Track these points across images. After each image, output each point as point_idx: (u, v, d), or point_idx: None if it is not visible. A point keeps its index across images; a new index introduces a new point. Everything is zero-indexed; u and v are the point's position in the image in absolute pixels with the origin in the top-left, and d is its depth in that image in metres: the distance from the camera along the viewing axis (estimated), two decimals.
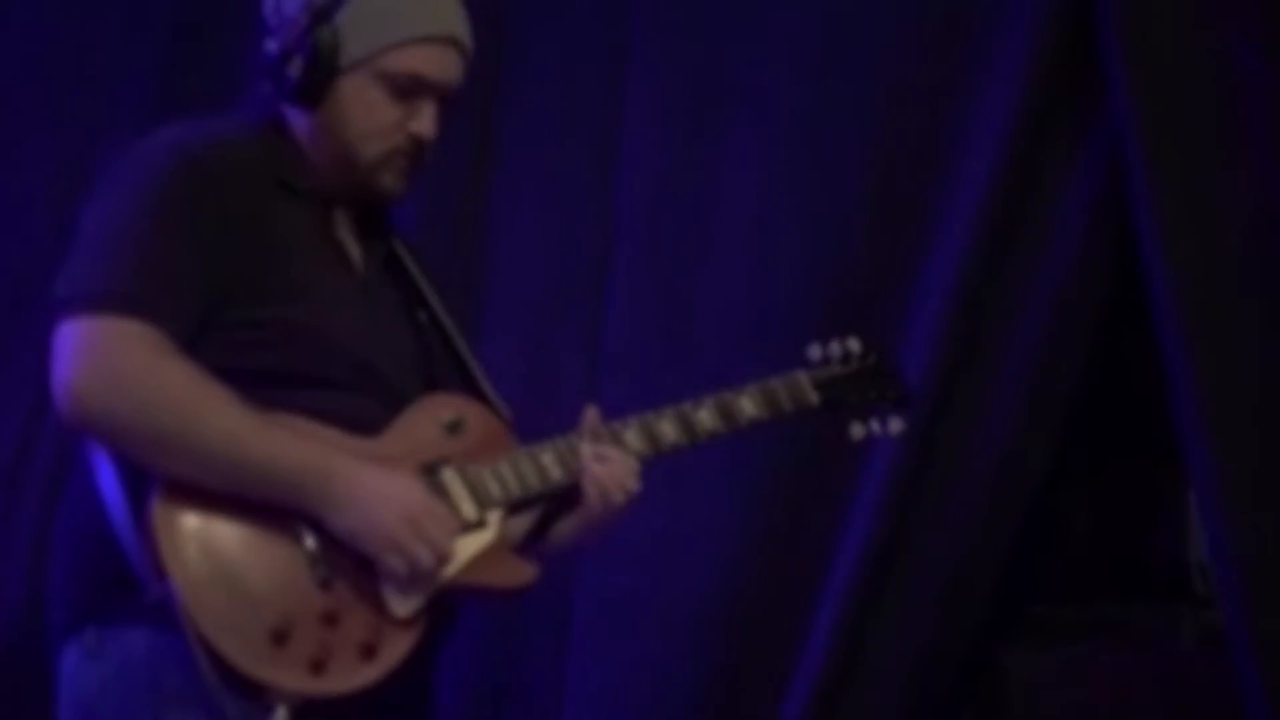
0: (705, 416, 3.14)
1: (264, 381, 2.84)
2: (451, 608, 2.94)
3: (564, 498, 3.05)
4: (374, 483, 2.80)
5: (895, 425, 3.31)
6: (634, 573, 4.21)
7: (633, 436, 3.08)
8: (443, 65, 3.02)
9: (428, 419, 2.98)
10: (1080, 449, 4.19)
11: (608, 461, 3.01)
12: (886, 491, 4.07)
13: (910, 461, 4.06)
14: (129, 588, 2.74)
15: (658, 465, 3.11)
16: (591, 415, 3.08)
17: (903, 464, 4.06)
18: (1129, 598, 4.26)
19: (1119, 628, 4.21)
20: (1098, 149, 4.06)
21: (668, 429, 3.11)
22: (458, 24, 3.05)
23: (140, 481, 2.76)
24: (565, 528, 3.08)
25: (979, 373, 4.11)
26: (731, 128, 4.30)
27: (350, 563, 2.80)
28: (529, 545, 3.06)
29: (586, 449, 3.02)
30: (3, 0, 4.46)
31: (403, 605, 2.81)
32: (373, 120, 2.99)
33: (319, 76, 2.97)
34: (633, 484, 3.02)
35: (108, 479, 2.80)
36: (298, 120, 3.03)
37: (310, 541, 2.79)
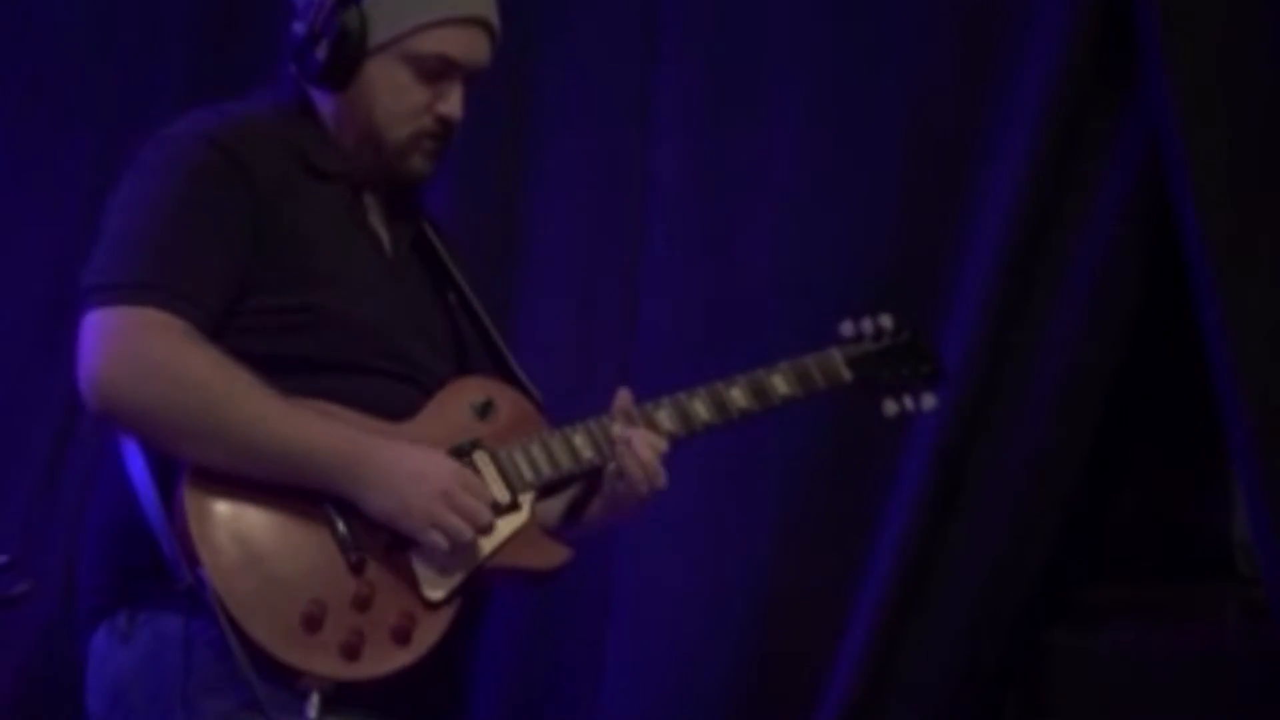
0: (738, 395, 3.10)
1: (293, 367, 2.83)
2: (483, 591, 2.93)
3: (596, 480, 3.03)
4: (404, 461, 2.79)
5: (928, 401, 3.28)
6: (670, 564, 4.18)
7: (665, 416, 3.05)
8: (470, 46, 3.00)
9: (458, 402, 2.97)
10: (1122, 430, 4.14)
11: (631, 443, 2.97)
12: (927, 476, 4.03)
13: (950, 446, 4.02)
14: (160, 575, 2.73)
15: (695, 454, 3.09)
16: (623, 396, 3.04)
17: (943, 448, 4.02)
18: (1173, 578, 4.21)
19: (1163, 608, 4.16)
20: (1137, 130, 4.02)
21: (700, 408, 3.07)
22: (484, 4, 3.03)
23: (170, 469, 2.76)
24: (595, 510, 3.06)
25: (1018, 355, 4.07)
26: (766, 108, 4.26)
27: (382, 545, 2.79)
28: (562, 529, 3.04)
29: (618, 430, 3.00)
30: None
31: (436, 588, 2.80)
32: (400, 102, 2.97)
33: (345, 59, 2.95)
34: (657, 464, 2.97)
35: (137, 467, 2.78)
36: (325, 103, 3.01)
37: (341, 525, 2.77)
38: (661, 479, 2.96)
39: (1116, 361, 4.06)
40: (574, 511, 3.06)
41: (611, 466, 2.96)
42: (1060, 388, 4.06)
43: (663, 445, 2.99)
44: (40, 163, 4.42)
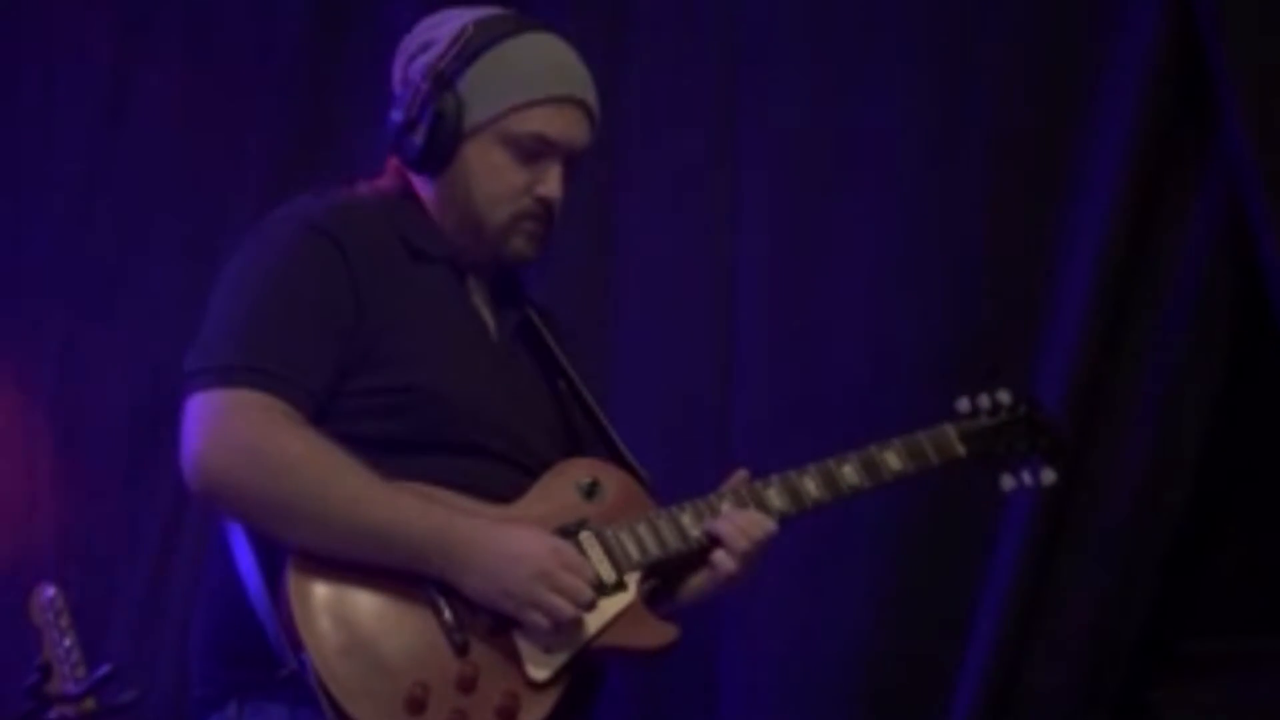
0: (849, 472, 3.07)
1: (395, 448, 2.82)
2: (594, 670, 2.89)
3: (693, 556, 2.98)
4: (502, 543, 2.77)
5: (1047, 476, 3.23)
6: (775, 627, 4.19)
7: (775, 494, 3.01)
8: (565, 125, 3.00)
9: (564, 483, 2.95)
10: (1222, 480, 4.10)
11: (728, 520, 2.94)
12: (1029, 532, 4.02)
13: (1051, 502, 3.97)
14: (267, 662, 2.73)
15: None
16: (739, 476, 3.03)
17: (1044, 505, 3.98)
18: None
19: (1271, 660, 4.08)
20: (1217, 179, 4.02)
21: (811, 486, 3.03)
22: (580, 84, 3.03)
23: (275, 555, 2.75)
24: (695, 584, 2.99)
25: (1113, 410, 4.06)
26: (849, 183, 4.29)
27: (487, 626, 2.76)
28: (657, 602, 2.97)
29: (728, 509, 2.96)
30: (130, 88, 4.54)
31: (541, 668, 2.77)
32: (499, 184, 2.97)
33: (443, 142, 2.96)
34: (758, 536, 2.94)
35: (243, 553, 2.79)
36: (425, 188, 3.02)
37: (446, 607, 2.75)
38: (741, 546, 2.93)
39: (1212, 410, 4.04)
40: (669, 584, 2.99)
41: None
42: (1156, 439, 4.05)
43: (771, 525, 2.96)
44: (138, 250, 4.46)
